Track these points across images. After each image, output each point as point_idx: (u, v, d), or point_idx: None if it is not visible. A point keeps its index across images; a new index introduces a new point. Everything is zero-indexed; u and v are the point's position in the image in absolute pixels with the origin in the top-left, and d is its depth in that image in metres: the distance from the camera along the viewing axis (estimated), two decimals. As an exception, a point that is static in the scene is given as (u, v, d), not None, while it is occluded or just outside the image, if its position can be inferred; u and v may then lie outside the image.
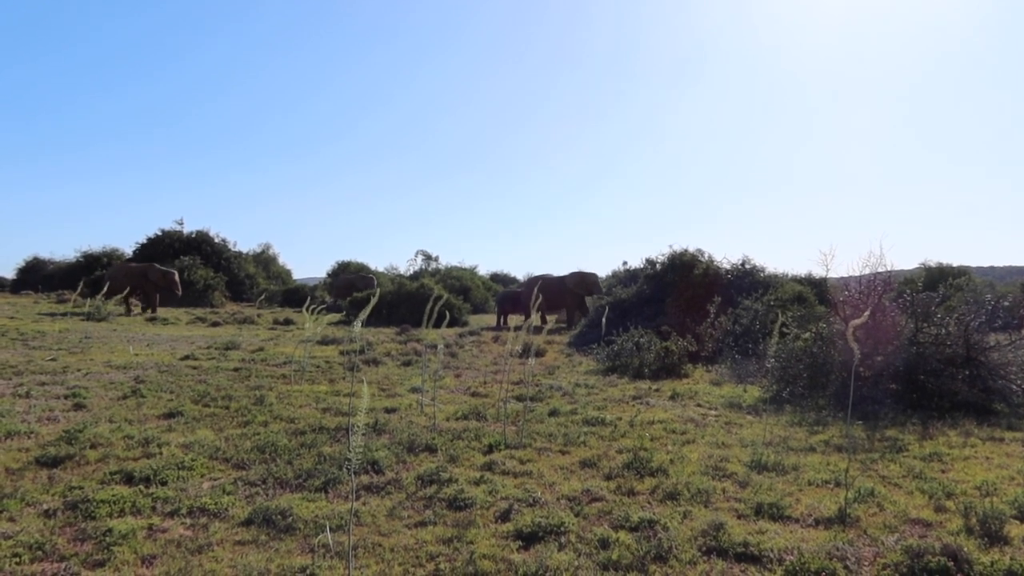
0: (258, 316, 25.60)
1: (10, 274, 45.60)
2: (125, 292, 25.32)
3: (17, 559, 3.96)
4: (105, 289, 25.87)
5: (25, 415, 7.55)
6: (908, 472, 6.02)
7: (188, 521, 4.63)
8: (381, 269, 55.73)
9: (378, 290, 8.36)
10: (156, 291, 27.50)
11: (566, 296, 24.57)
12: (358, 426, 3.57)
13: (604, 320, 15.53)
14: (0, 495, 4.97)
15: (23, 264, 44.58)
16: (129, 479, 5.39)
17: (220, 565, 3.96)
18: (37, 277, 42.23)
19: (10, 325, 18.26)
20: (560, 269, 47.52)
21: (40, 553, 4.05)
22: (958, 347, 9.30)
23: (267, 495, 5.16)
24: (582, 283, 24.58)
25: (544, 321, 25.41)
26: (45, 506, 4.79)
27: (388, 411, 8.39)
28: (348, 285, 32.77)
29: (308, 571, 3.88)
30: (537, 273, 29.55)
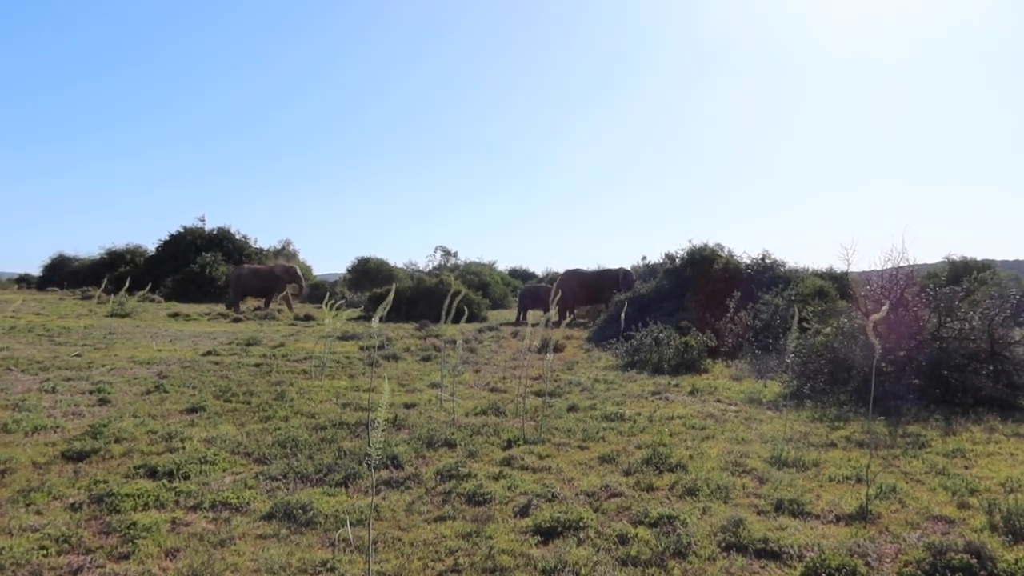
0: (279, 312, 25.79)
1: (36, 271, 46.29)
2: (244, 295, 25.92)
3: (44, 551, 4.03)
4: (235, 294, 26.48)
5: (51, 410, 7.67)
6: (931, 468, 5.95)
7: (210, 515, 4.68)
8: (400, 265, 55.84)
9: (395, 286, 8.38)
10: (284, 289, 27.77)
11: (606, 292, 24.45)
12: (379, 421, 3.59)
13: (623, 315, 15.47)
14: (27, 489, 5.06)
15: (48, 261, 45.22)
16: (153, 473, 5.46)
17: (242, 558, 4.00)
18: (62, 274, 42.79)
19: (36, 321, 18.56)
20: (580, 264, 47.45)
21: (66, 546, 4.12)
22: (982, 342, 9.17)
23: (288, 489, 5.20)
24: (624, 279, 24.51)
25: (564, 316, 25.36)
26: (71, 500, 4.87)
27: (407, 406, 8.43)
28: None
29: (329, 565, 3.91)
30: (555, 268, 29.36)
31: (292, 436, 6.56)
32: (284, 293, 27.66)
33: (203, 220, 43.21)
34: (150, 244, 43.21)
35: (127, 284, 20.75)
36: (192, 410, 7.86)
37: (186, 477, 5.40)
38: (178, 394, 8.79)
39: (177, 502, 4.89)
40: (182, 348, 13.93)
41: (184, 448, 6.19)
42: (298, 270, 28.54)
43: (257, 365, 11.63)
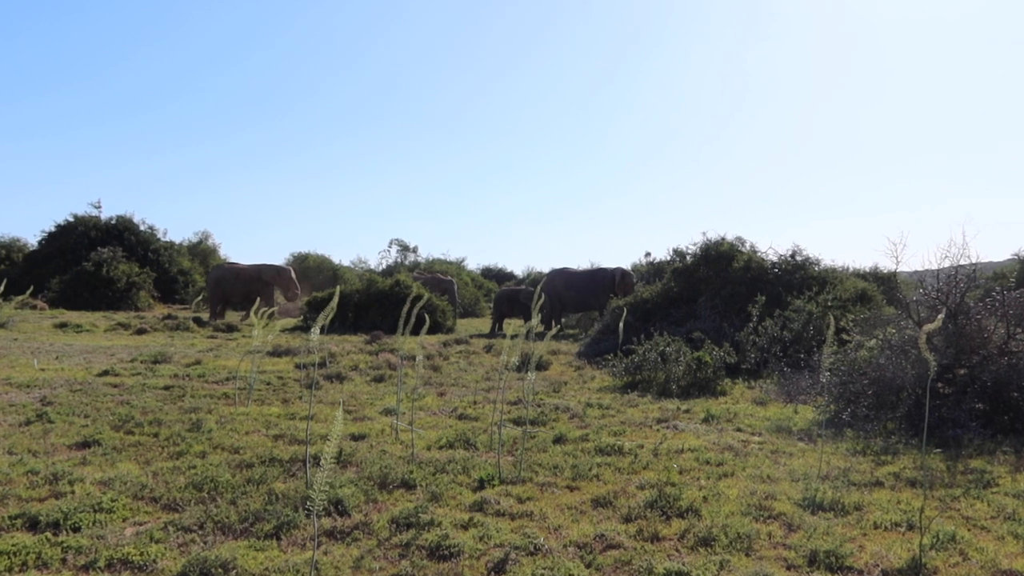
0: (195, 322, 25.58)
1: None
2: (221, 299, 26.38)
3: None
4: (204, 297, 26.72)
5: (-96, 445, 7.53)
6: (998, 512, 6.03)
7: (107, 576, 4.62)
8: (347, 263, 55.60)
9: (340, 288, 8.36)
10: (271, 293, 28.59)
11: (600, 295, 24.53)
12: (325, 457, 3.56)
13: (622, 325, 15.52)
14: None
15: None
16: (33, 525, 5.37)
17: (146, 630, 3.95)
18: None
19: None
20: (569, 262, 47.57)
21: (-78, 616, 4.04)
22: (1059, 357, 9.31)
23: (205, 543, 5.15)
24: (622, 281, 24.60)
25: (550, 326, 25.43)
26: (-71, 558, 4.77)
27: (355, 438, 8.39)
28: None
29: (255, 637, 3.88)
30: (538, 267, 29.39)
31: (211, 476, 6.50)
32: (269, 295, 28.13)
33: (99, 207, 42.80)
34: (31, 237, 42.72)
35: (2, 287, 20.47)
36: (84, 444, 7.77)
37: (76, 529, 5.33)
38: (66, 425, 8.67)
39: (64, 560, 4.82)
40: (72, 367, 13.75)
41: (73, 493, 6.10)
42: (291, 273, 29.30)
43: (167, 388, 11.52)
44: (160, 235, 43.38)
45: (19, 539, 5.05)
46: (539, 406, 10.65)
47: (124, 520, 5.59)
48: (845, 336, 11.02)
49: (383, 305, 24.57)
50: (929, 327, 5.33)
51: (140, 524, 5.52)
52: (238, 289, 28.62)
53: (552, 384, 13.21)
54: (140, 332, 22.28)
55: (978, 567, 4.91)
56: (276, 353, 16.28)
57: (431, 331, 22.73)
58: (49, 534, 5.21)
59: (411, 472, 6.80)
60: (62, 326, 22.81)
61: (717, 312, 17.10)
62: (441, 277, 32.87)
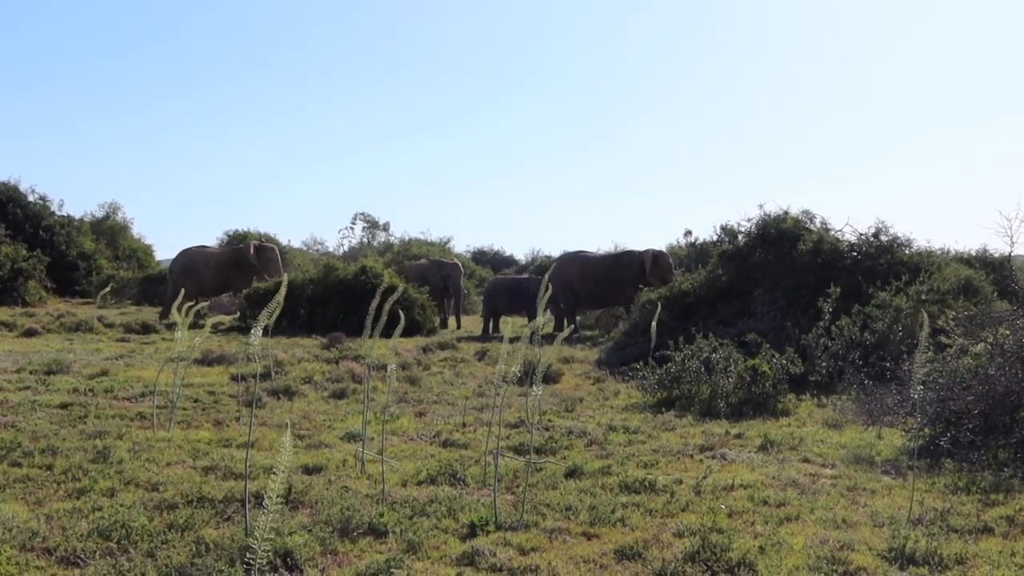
0: (100, 320, 25.57)
1: None
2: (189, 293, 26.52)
3: None
4: (176, 292, 26.78)
5: None
6: None
7: (-14, 650, 4.60)
8: (298, 244, 55.64)
9: (287, 277, 8.32)
10: (249, 283, 28.53)
11: (626, 286, 24.45)
12: (270, 496, 3.54)
13: (655, 324, 15.48)
14: None
15: None
16: None
17: None
18: None
19: None
20: (585, 244, 47.72)
21: None
22: None
23: (113, 607, 5.13)
24: (656, 266, 24.51)
25: (561, 325, 25.42)
26: None
27: (309, 471, 8.38)
28: (417, 279, 30.72)
29: None
30: (547, 251, 29.27)
31: (121, 521, 6.47)
32: (249, 283, 28.31)
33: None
34: None
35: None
36: (-43, 479, 7.75)
37: (-54, 589, 5.31)
38: (-66, 453, 8.66)
39: (-69, 630, 4.80)
40: (-58, 378, 13.74)
41: (-57, 541, 6.08)
42: (274, 250, 29.37)
43: (64, 406, 11.51)
44: (55, 208, 43.37)
45: None
46: (547, 429, 10.66)
47: (9, 577, 5.57)
48: (944, 339, 11.00)
49: (345, 299, 24.53)
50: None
51: (30, 583, 5.51)
52: (210, 279, 28.34)
53: (564, 401, 13.20)
54: (29, 334, 22.25)
55: (1117, 638, 4.90)
56: (206, 361, 16.24)
57: (408, 332, 22.72)
58: (-89, 596, 5.20)
59: (381, 515, 6.78)
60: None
61: (778, 308, 17.07)
62: (444, 261, 32.05)
